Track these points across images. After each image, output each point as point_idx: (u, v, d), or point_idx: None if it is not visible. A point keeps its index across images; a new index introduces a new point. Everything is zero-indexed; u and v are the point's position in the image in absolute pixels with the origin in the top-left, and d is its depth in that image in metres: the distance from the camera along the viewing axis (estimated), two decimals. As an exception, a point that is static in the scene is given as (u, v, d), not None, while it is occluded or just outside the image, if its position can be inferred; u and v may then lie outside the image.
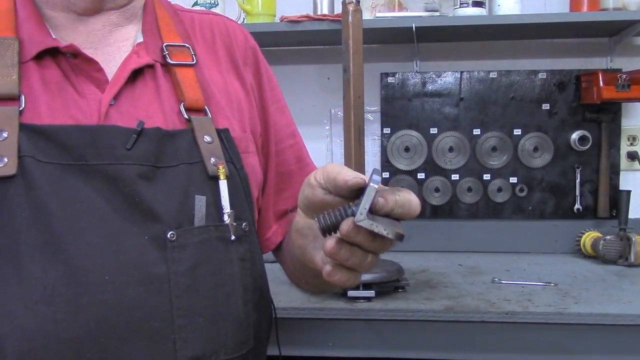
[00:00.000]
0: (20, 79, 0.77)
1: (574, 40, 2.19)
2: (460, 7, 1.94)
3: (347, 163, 1.55)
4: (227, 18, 1.03)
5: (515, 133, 2.16)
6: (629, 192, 2.02)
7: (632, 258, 1.89)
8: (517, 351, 1.44)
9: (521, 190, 2.17)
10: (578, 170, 2.14)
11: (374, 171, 0.63)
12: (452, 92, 2.17)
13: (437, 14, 2.01)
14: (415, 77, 2.18)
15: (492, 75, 2.16)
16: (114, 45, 0.86)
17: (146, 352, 0.74)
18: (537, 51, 2.21)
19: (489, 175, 2.17)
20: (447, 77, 2.18)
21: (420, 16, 1.98)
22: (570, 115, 2.14)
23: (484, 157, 2.17)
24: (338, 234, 0.64)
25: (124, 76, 0.82)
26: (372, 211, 0.61)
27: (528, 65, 2.20)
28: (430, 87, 2.18)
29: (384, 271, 1.57)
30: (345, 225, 0.62)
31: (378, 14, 2.00)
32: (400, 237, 0.61)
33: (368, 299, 1.52)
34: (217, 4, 2.00)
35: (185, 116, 0.84)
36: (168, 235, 0.77)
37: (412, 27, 1.92)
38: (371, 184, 0.61)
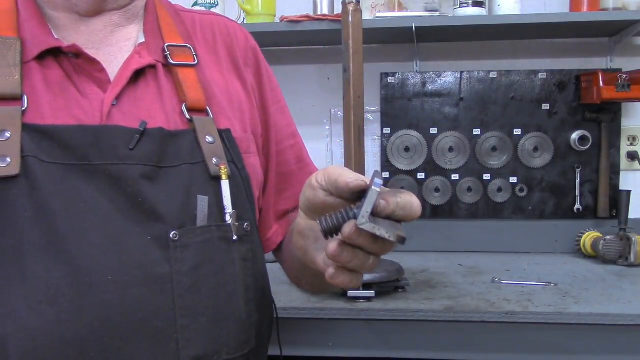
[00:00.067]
0: (22, 79, 0.77)
1: (574, 40, 2.19)
2: (460, 7, 1.94)
3: (347, 163, 1.55)
4: (228, 18, 1.03)
5: (515, 133, 2.16)
6: (629, 192, 2.02)
7: (632, 258, 1.89)
8: (517, 351, 1.44)
9: (521, 190, 2.17)
10: (578, 170, 2.15)
11: (375, 174, 0.63)
12: (452, 92, 2.18)
13: (437, 14, 2.01)
14: (415, 77, 2.19)
15: (492, 75, 2.16)
16: (116, 46, 0.86)
17: (149, 352, 0.74)
18: (537, 51, 2.21)
19: (489, 175, 2.17)
20: (447, 77, 2.18)
21: (420, 16, 1.98)
22: (570, 115, 2.14)
23: (484, 157, 2.17)
24: (340, 237, 0.64)
25: (126, 76, 0.82)
26: (374, 214, 0.61)
27: (528, 65, 2.20)
28: (430, 87, 2.18)
29: (384, 271, 1.57)
30: (347, 228, 0.62)
31: (378, 14, 2.00)
32: (402, 240, 0.61)
33: (368, 299, 1.52)
34: (217, 4, 2.00)
35: (187, 116, 0.84)
36: (171, 235, 0.77)
37: (412, 27, 1.92)
38: (373, 187, 0.61)
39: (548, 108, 2.15)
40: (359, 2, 1.55)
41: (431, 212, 2.20)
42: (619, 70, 2.03)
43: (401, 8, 2.06)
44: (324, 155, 2.28)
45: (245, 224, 0.85)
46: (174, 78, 0.87)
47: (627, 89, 1.92)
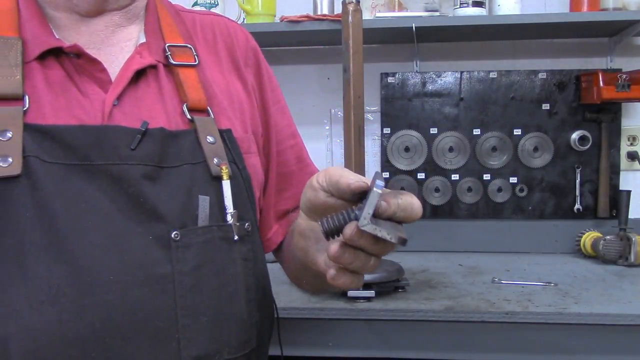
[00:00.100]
0: (23, 79, 0.77)
1: (574, 40, 2.19)
2: (460, 7, 1.94)
3: (347, 163, 1.55)
4: (228, 19, 1.03)
5: (515, 133, 2.16)
6: (629, 192, 2.02)
7: (632, 258, 1.89)
8: (517, 351, 1.45)
9: (521, 190, 2.17)
10: (578, 170, 2.15)
11: (377, 175, 0.63)
12: (452, 92, 2.18)
13: (437, 14, 2.01)
14: (415, 77, 2.19)
15: (492, 75, 2.16)
16: (117, 46, 0.86)
17: (150, 352, 0.74)
18: (537, 51, 2.21)
19: (489, 175, 2.18)
20: (447, 77, 2.18)
21: (420, 16, 1.98)
22: (570, 115, 2.14)
23: (484, 157, 2.17)
24: (341, 238, 0.64)
25: (127, 76, 0.82)
26: (375, 215, 0.62)
27: (528, 65, 2.20)
28: (430, 87, 2.18)
29: (384, 271, 1.57)
30: (349, 229, 0.63)
31: (378, 14, 2.00)
32: (403, 242, 0.61)
33: (368, 299, 1.52)
34: (217, 4, 2.00)
35: (188, 117, 0.84)
36: (172, 235, 0.77)
37: (412, 27, 1.92)
38: (375, 188, 0.61)
39: (548, 108, 2.15)
40: (359, 2, 1.55)
41: (431, 212, 2.20)
42: (619, 70, 2.04)
43: (401, 8, 2.06)
44: (324, 155, 2.28)
45: (246, 224, 0.85)
46: (175, 78, 0.87)
47: (627, 89, 1.92)
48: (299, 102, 2.22)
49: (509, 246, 2.18)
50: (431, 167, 2.19)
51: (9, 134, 0.73)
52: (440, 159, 2.18)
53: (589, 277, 1.78)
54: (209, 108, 0.87)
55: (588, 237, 2.03)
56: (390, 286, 1.59)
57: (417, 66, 2.19)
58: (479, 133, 2.17)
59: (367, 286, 1.52)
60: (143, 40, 0.88)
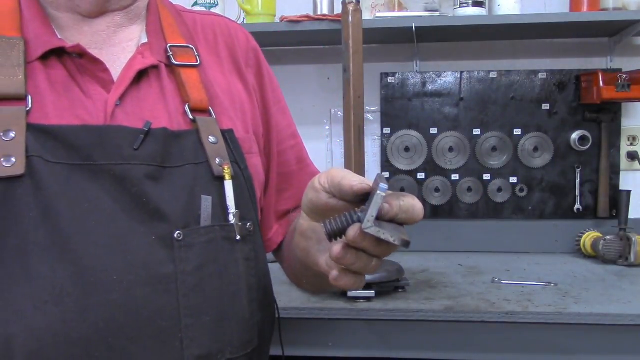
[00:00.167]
0: (26, 79, 0.77)
1: (574, 40, 2.20)
2: (460, 7, 1.95)
3: (347, 163, 1.55)
4: (229, 19, 1.03)
5: (515, 133, 2.16)
6: (629, 192, 2.02)
7: (632, 258, 1.89)
8: (517, 351, 1.45)
9: (521, 190, 2.17)
10: (578, 170, 2.15)
11: (379, 177, 0.63)
12: (452, 92, 2.18)
13: (437, 14, 2.01)
14: (415, 77, 2.19)
15: (492, 75, 2.16)
16: (119, 46, 0.86)
17: (153, 351, 0.74)
18: (537, 51, 2.21)
19: (489, 175, 2.18)
20: (447, 77, 2.18)
21: (420, 16, 1.99)
22: (570, 115, 2.14)
23: (484, 157, 2.17)
24: (344, 239, 0.65)
25: (129, 77, 0.82)
26: (378, 217, 0.62)
27: (528, 65, 2.20)
28: (430, 87, 2.18)
29: (384, 271, 1.57)
30: (352, 231, 0.63)
31: (378, 14, 2.00)
32: (405, 244, 0.62)
33: (368, 299, 1.52)
34: (217, 4, 2.00)
35: (190, 117, 0.85)
36: (175, 235, 0.77)
37: (412, 27, 1.92)
38: (378, 191, 0.61)
39: (548, 108, 2.15)
40: (359, 2, 1.55)
41: (431, 212, 2.20)
42: (619, 70, 2.04)
43: (401, 8, 2.06)
44: (324, 156, 2.28)
45: (248, 224, 0.85)
46: (177, 78, 0.87)
47: (627, 89, 1.93)
48: (299, 102, 2.22)
49: (509, 246, 2.18)
50: (431, 167, 2.19)
51: (12, 134, 0.73)
52: (440, 159, 2.18)
53: (589, 277, 1.78)
54: (210, 108, 0.87)
55: (588, 237, 2.04)
56: (390, 286, 1.59)
57: (417, 66, 2.19)
58: (479, 133, 2.17)
59: (367, 286, 1.52)
60: (145, 40, 0.89)
